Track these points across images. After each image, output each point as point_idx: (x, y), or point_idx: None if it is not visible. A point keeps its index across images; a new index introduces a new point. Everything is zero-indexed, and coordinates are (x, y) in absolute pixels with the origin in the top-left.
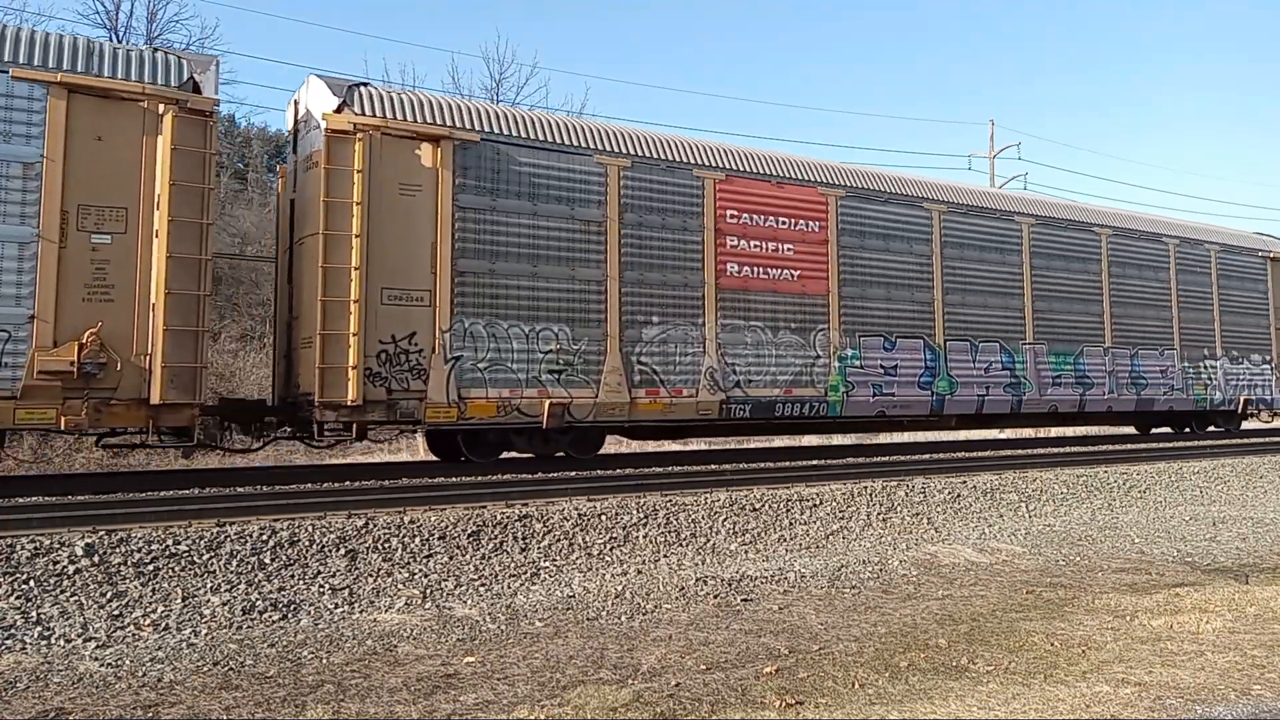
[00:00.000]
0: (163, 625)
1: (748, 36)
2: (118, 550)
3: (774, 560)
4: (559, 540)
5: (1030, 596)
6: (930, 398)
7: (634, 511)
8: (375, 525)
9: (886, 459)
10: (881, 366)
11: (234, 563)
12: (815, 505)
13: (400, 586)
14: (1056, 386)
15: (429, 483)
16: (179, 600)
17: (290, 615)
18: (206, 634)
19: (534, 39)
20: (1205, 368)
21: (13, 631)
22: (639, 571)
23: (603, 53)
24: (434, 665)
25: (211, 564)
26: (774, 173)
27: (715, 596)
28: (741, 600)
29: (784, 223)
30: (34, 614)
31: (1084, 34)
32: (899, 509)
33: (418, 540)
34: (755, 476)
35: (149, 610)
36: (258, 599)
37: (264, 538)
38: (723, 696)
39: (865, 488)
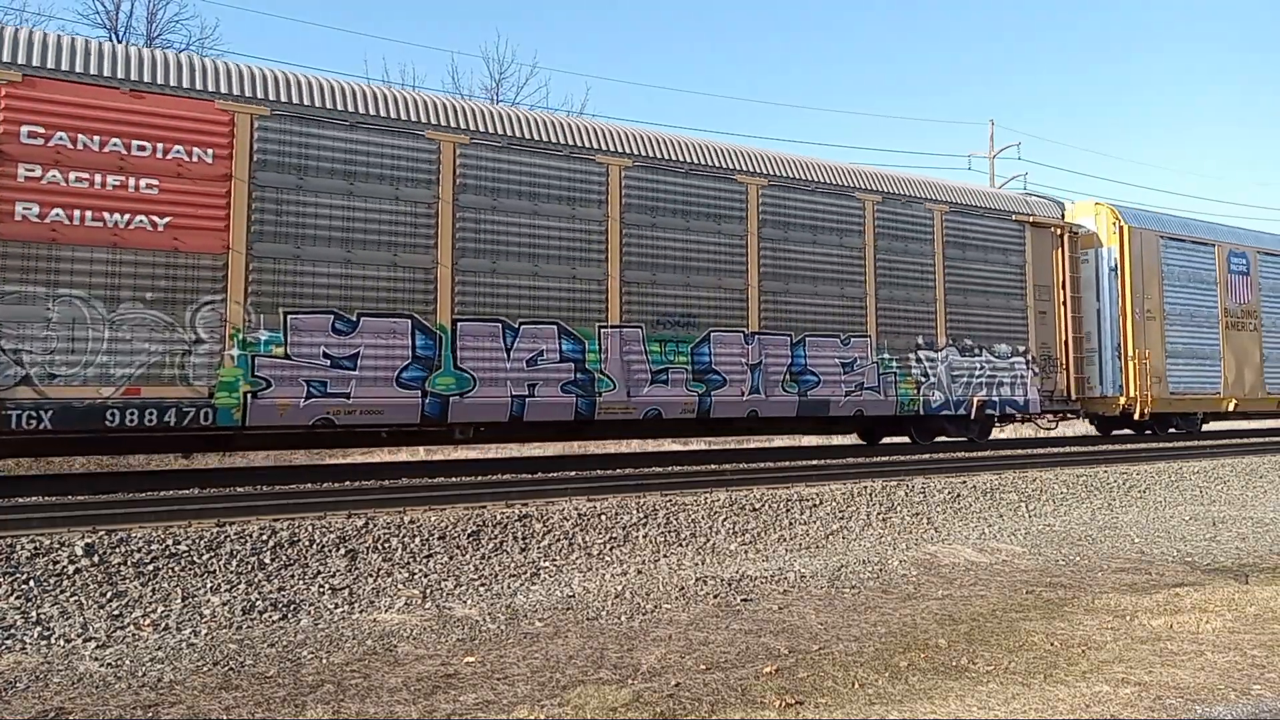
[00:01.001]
0: (163, 625)
1: (748, 36)
2: (118, 550)
3: (774, 560)
4: (559, 540)
5: (1030, 596)
6: (420, 400)
7: (634, 511)
8: (375, 525)
9: (886, 459)
10: (328, 355)
11: (234, 563)
12: (815, 505)
13: (400, 586)
14: (659, 384)
15: (429, 483)
16: (179, 600)
17: (290, 615)
18: (206, 634)
19: (534, 39)
20: (919, 360)
21: (12, 631)
22: (639, 571)
23: (603, 53)
24: (434, 665)
25: (211, 564)
26: (127, 76)
27: (715, 596)
28: (741, 600)
29: (144, 149)
30: (34, 614)
31: (1085, 34)
32: (899, 509)
33: (418, 540)
34: (755, 476)
35: (149, 610)
36: (258, 599)
37: (264, 538)
38: (723, 696)
39: (865, 488)
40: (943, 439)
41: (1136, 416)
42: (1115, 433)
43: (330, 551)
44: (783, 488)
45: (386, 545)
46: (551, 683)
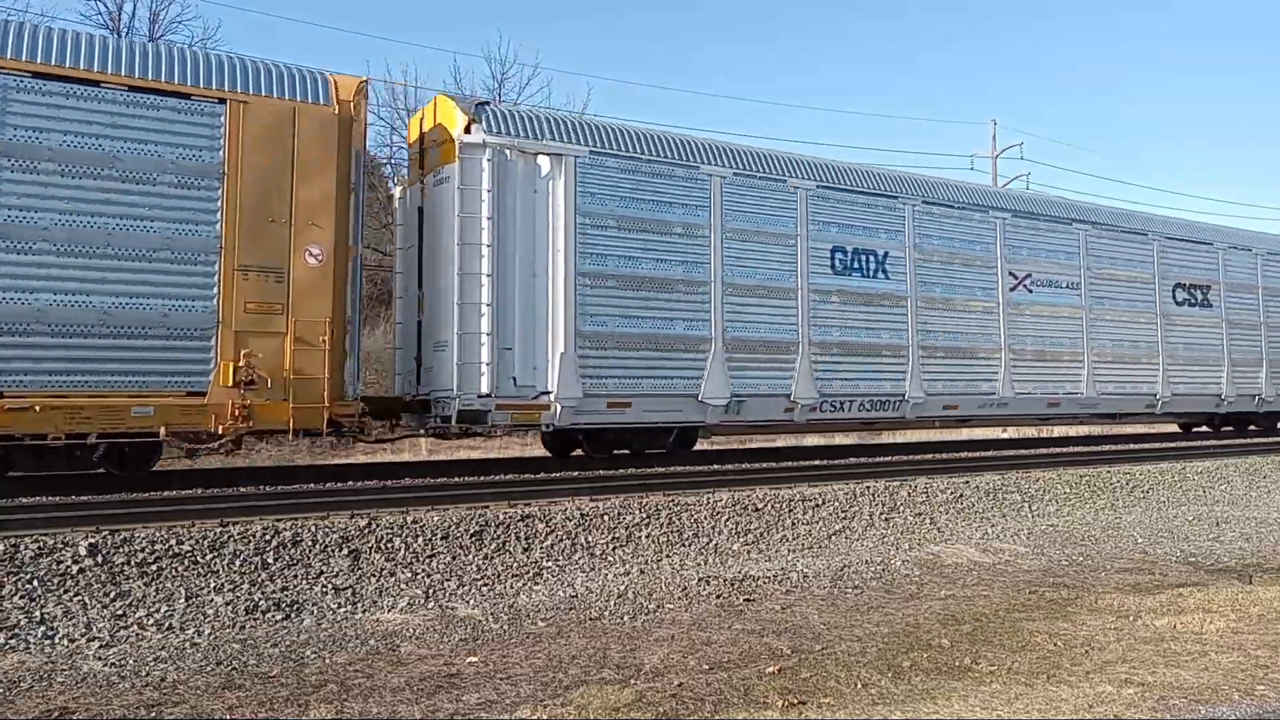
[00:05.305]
0: (166, 625)
1: (749, 36)
2: (121, 550)
3: (776, 560)
4: (561, 540)
5: (1033, 596)
6: None
7: (636, 511)
8: (378, 525)
9: (889, 459)
10: None
11: (237, 563)
12: (818, 505)
13: (403, 586)
14: None
15: (432, 483)
16: (182, 600)
17: (293, 615)
18: (210, 634)
19: (535, 40)
20: None
21: (17, 631)
22: (641, 571)
23: (603, 53)
24: (437, 665)
25: (215, 564)
26: None
27: (718, 596)
28: (744, 600)
29: None
30: (38, 614)
31: (1086, 34)
32: (902, 509)
33: (420, 540)
34: (758, 476)
35: (152, 610)
36: (261, 599)
37: (267, 537)
38: (725, 696)
39: (868, 487)
40: None
41: None
42: None
43: (333, 551)
44: (785, 488)
45: (389, 545)
46: (554, 683)
